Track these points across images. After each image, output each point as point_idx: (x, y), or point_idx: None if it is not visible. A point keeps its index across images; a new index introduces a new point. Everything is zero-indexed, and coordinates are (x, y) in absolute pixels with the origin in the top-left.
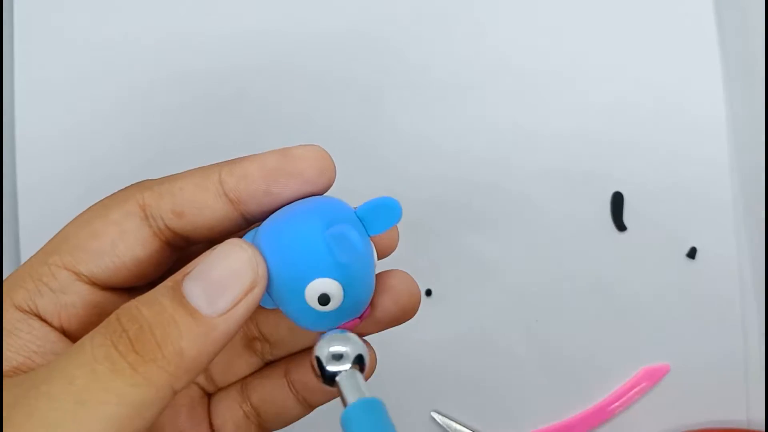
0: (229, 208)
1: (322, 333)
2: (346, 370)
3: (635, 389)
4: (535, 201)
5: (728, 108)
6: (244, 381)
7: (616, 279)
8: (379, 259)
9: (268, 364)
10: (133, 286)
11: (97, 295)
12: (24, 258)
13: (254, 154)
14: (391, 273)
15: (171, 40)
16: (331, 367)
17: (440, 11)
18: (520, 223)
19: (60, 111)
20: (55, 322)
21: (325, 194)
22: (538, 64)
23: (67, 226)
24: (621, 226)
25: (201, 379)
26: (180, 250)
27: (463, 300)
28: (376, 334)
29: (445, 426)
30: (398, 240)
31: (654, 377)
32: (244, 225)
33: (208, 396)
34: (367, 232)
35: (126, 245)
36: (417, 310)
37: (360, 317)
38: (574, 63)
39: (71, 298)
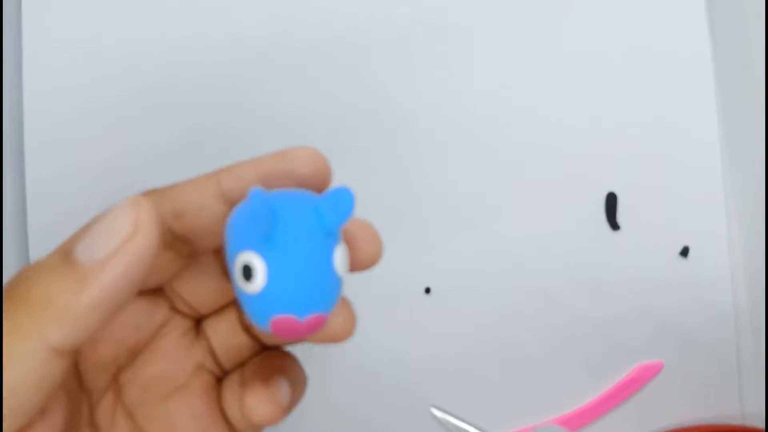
0: (227, 209)
1: None
2: None
3: (630, 386)
4: (531, 200)
5: (720, 107)
6: (244, 364)
7: (610, 277)
8: (360, 270)
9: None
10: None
11: None
12: (33, 256)
13: (252, 158)
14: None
15: (183, 41)
16: None
17: (434, 28)
18: (516, 221)
19: (69, 108)
20: None
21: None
22: (534, 66)
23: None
24: (615, 226)
25: (211, 365)
26: (187, 258)
27: (461, 297)
28: (375, 332)
29: (444, 421)
30: (381, 254)
31: (648, 374)
32: None
33: (220, 382)
34: (326, 223)
35: None
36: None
37: (302, 321)
38: (569, 65)
39: None
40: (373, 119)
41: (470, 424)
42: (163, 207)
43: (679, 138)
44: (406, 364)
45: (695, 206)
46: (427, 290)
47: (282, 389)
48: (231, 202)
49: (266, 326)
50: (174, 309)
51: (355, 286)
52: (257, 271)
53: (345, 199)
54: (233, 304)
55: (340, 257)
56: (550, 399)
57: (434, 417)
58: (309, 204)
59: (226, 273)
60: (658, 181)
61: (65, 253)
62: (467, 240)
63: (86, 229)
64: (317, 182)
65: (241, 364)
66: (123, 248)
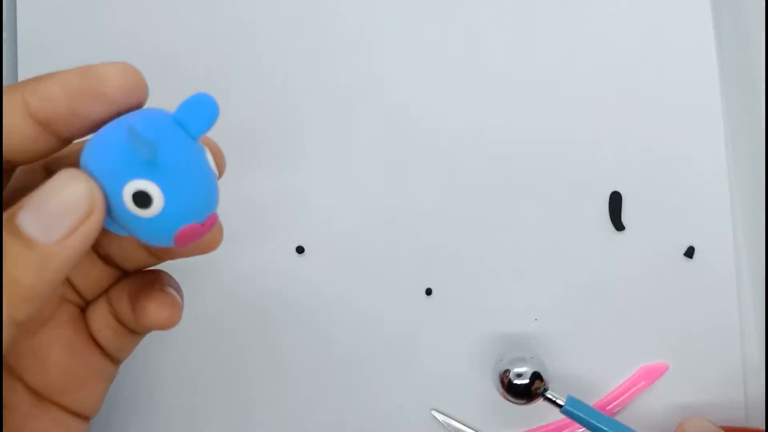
0: (38, 130)
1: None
2: None
3: (634, 387)
4: (534, 201)
5: (726, 107)
6: (108, 290)
7: (614, 278)
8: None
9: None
10: None
11: None
12: None
13: (56, 72)
14: None
15: (177, 39)
16: None
17: (431, 3)
18: (519, 221)
19: None
20: None
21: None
22: (536, 65)
23: None
24: (619, 226)
25: (73, 297)
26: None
27: (462, 298)
28: (375, 332)
29: (445, 424)
30: (224, 163)
31: (653, 375)
32: (63, 146)
33: (84, 312)
34: (189, 134)
35: None
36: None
37: (203, 224)
38: (572, 63)
39: None
40: (374, 118)
41: (471, 427)
42: None
43: (683, 137)
44: (407, 365)
45: (700, 206)
46: (428, 291)
47: (176, 294)
48: (40, 122)
49: (170, 241)
50: None
51: (355, 286)
52: (154, 196)
53: (208, 105)
54: None
55: (210, 158)
56: None
57: (435, 419)
58: (167, 119)
59: None
60: (662, 181)
61: (12, 227)
62: (469, 240)
63: (33, 200)
64: (132, 101)
65: (102, 293)
66: (81, 228)
